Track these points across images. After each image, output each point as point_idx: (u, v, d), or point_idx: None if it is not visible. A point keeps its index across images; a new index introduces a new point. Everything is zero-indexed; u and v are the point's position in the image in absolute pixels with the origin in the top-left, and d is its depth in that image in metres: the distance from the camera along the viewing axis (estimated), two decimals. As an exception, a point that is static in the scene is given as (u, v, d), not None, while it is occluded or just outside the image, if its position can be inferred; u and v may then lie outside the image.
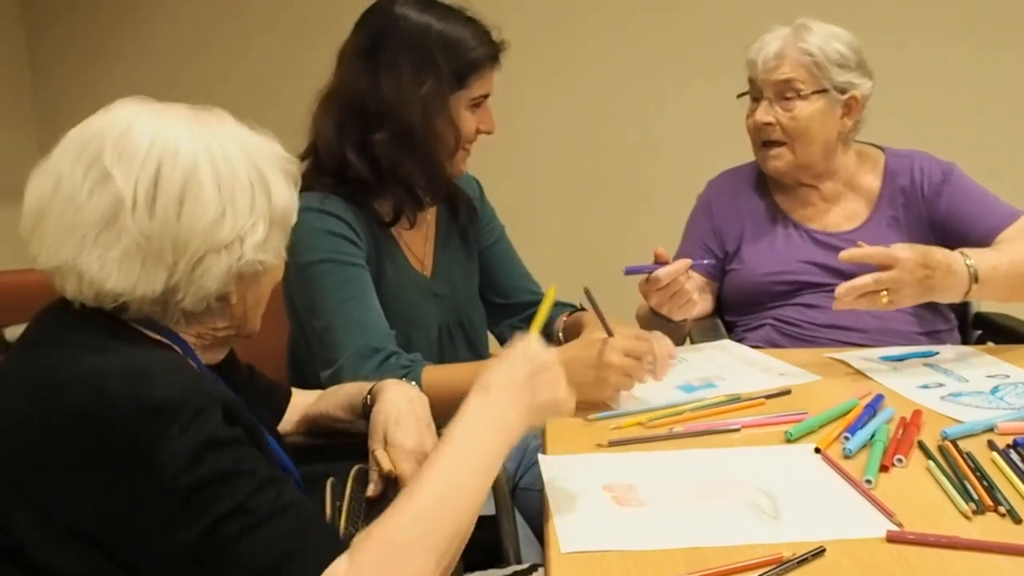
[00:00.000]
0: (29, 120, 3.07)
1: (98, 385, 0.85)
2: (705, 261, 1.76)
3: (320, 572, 0.82)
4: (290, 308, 1.56)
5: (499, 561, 1.32)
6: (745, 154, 1.91)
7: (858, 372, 1.50)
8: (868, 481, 1.09)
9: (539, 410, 1.00)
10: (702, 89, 2.94)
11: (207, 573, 0.82)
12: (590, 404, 1.32)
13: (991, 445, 1.19)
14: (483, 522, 0.98)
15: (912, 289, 1.46)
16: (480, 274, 1.72)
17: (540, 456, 1.18)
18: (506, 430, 0.96)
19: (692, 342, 1.79)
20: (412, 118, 1.47)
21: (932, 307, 1.75)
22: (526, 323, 1.70)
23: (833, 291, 1.72)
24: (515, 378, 1.00)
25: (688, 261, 1.55)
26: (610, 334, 1.35)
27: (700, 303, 1.78)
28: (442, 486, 0.89)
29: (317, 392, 1.36)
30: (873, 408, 1.30)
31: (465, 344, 1.65)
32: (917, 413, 1.29)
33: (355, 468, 1.09)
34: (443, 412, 1.29)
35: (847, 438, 1.20)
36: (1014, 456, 1.15)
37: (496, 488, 1.34)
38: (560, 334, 1.66)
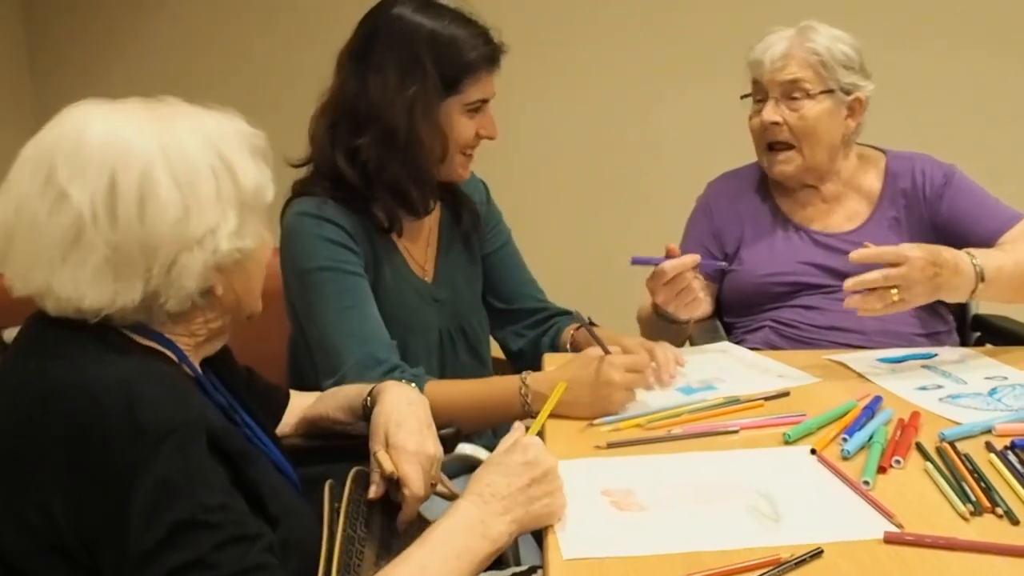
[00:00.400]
0: (29, 120, 3.07)
1: (88, 402, 0.84)
2: (717, 263, 1.74)
3: None
4: (291, 311, 1.56)
5: (498, 563, 1.32)
6: (745, 155, 1.91)
7: (856, 374, 1.50)
8: (866, 482, 1.09)
9: (531, 521, 1.00)
10: (702, 90, 2.94)
11: None
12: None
13: (989, 447, 1.19)
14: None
15: (923, 287, 1.46)
16: (484, 278, 1.71)
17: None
18: (489, 543, 0.96)
19: (691, 344, 1.79)
20: (396, 122, 1.44)
21: (931, 309, 1.75)
22: (529, 330, 1.71)
23: (832, 293, 1.74)
24: (511, 488, 0.99)
25: (696, 257, 1.53)
26: (606, 352, 1.34)
27: (703, 305, 1.79)
28: None
29: (315, 394, 1.35)
30: (871, 410, 1.30)
31: (466, 349, 1.65)
32: (915, 415, 1.29)
33: (354, 470, 1.08)
34: (442, 425, 1.29)
35: (845, 440, 1.20)
36: (1012, 458, 1.15)
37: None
38: (568, 347, 1.66)
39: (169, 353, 0.96)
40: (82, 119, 0.91)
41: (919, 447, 1.19)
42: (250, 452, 0.94)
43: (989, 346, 1.82)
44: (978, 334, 1.92)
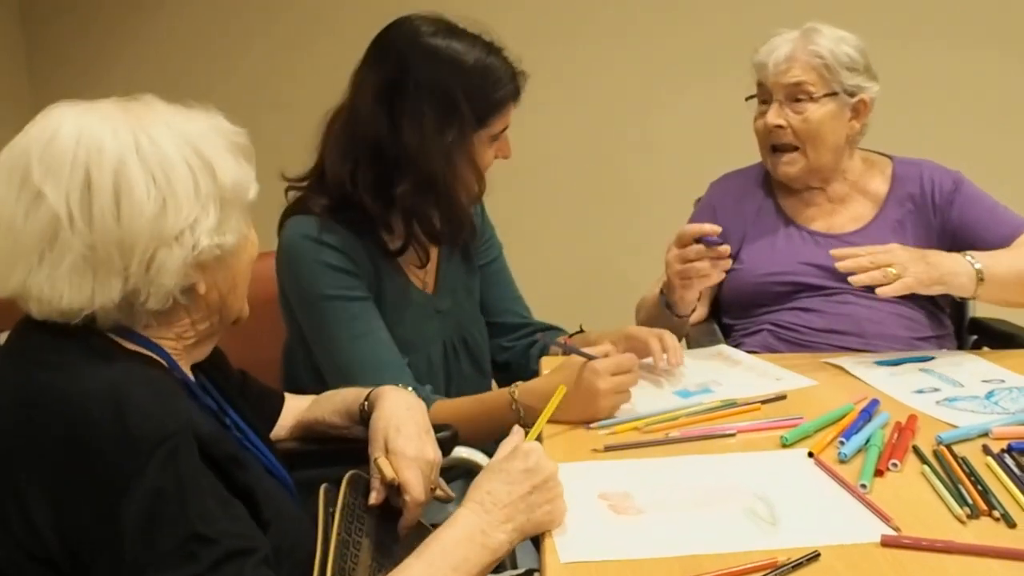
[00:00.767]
0: (27, 122, 3.05)
1: (76, 410, 0.84)
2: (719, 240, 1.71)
3: None
4: (291, 323, 1.55)
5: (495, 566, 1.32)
6: (744, 158, 1.91)
7: (854, 377, 1.51)
8: (863, 486, 1.09)
9: (532, 528, 1.00)
10: (701, 92, 2.95)
11: None
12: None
13: (986, 450, 1.19)
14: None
15: (920, 265, 1.51)
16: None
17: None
18: (490, 552, 0.96)
19: (689, 347, 1.79)
20: (436, 168, 1.43)
21: (929, 312, 1.76)
22: (514, 343, 1.71)
23: (831, 295, 1.75)
24: (512, 496, 0.99)
25: (717, 228, 1.55)
26: (589, 359, 1.33)
27: (699, 308, 1.79)
28: None
29: (311, 397, 1.35)
30: (868, 413, 1.30)
31: (469, 361, 1.64)
32: (912, 418, 1.29)
33: (349, 473, 1.08)
34: (439, 428, 1.30)
35: (842, 443, 1.20)
36: (1009, 461, 1.15)
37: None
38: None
39: (157, 357, 0.95)
40: (55, 121, 0.91)
41: (916, 450, 1.19)
42: (242, 457, 0.94)
43: (986, 349, 1.82)
44: (975, 337, 1.92)
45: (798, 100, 1.74)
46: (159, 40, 3.27)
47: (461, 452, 1.37)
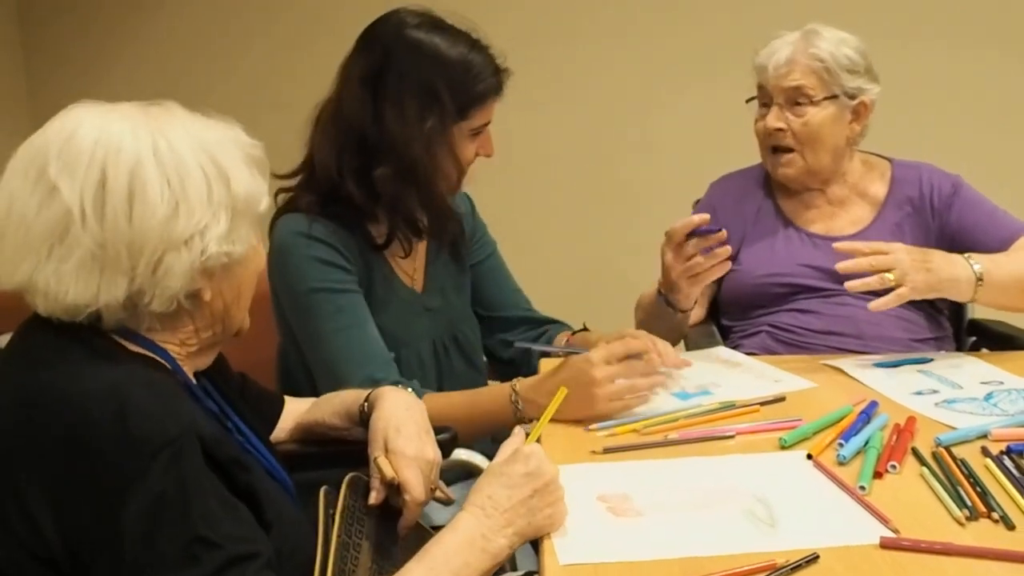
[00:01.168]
0: (25, 123, 3.06)
1: (79, 412, 0.84)
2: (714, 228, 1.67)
3: None
4: (282, 325, 1.56)
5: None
6: (744, 158, 1.91)
7: (853, 379, 1.51)
8: (862, 487, 1.09)
9: (532, 532, 1.01)
10: (700, 93, 2.95)
11: None
12: (594, 418, 1.32)
13: (985, 452, 1.19)
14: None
15: (920, 274, 1.51)
16: (471, 289, 1.72)
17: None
18: (490, 557, 0.97)
19: (687, 348, 1.79)
20: (415, 154, 1.45)
21: (927, 314, 1.76)
22: (517, 338, 1.70)
23: (830, 297, 1.75)
24: (512, 500, 0.99)
25: (705, 216, 1.54)
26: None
27: (697, 309, 1.79)
28: None
29: (311, 400, 1.35)
30: (867, 415, 1.30)
31: (461, 358, 1.65)
32: (911, 420, 1.29)
33: (349, 475, 1.08)
34: (439, 430, 1.29)
35: (841, 444, 1.20)
36: (1008, 463, 1.15)
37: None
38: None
39: (159, 359, 0.95)
40: (75, 119, 0.92)
41: (915, 452, 1.20)
42: (244, 459, 0.94)
43: (985, 351, 1.82)
44: (974, 339, 1.92)
45: (798, 103, 1.74)
46: (159, 40, 3.27)
47: (461, 454, 1.37)
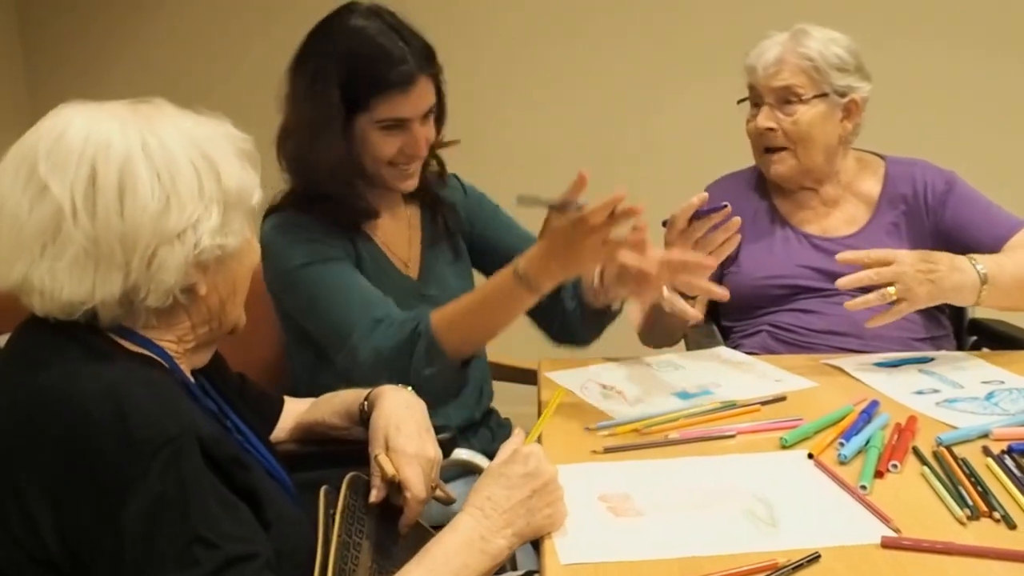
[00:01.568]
0: (24, 124, 3.04)
1: (78, 413, 0.84)
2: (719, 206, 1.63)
3: None
4: (285, 321, 1.56)
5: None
6: (744, 159, 1.91)
7: (853, 378, 1.50)
8: (863, 487, 1.09)
9: (532, 532, 1.01)
10: (700, 94, 2.94)
11: None
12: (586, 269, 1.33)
13: (986, 451, 1.19)
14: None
15: (922, 287, 1.47)
16: (487, 255, 1.67)
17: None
18: (489, 558, 0.97)
19: (688, 348, 1.79)
20: (301, 134, 1.46)
21: (928, 314, 1.75)
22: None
23: (830, 297, 1.74)
24: (511, 501, 0.99)
25: (704, 196, 1.51)
26: (562, 207, 1.31)
27: (697, 309, 1.79)
28: None
29: (310, 400, 1.35)
30: (868, 414, 1.30)
31: None
32: (912, 419, 1.29)
33: (349, 475, 1.08)
34: (463, 338, 1.33)
35: (842, 444, 1.20)
36: (1009, 462, 1.15)
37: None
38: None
39: (157, 358, 0.95)
40: (65, 118, 0.92)
41: (916, 451, 1.20)
42: (243, 458, 0.94)
43: (986, 350, 1.82)
44: (975, 338, 1.92)
45: (788, 103, 1.74)
46: (159, 41, 3.26)
47: (461, 454, 1.37)
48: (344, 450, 1.23)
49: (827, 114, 1.75)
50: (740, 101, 1.83)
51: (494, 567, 0.97)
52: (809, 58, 1.72)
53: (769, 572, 0.92)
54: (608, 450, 1.23)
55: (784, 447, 1.23)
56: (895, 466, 1.15)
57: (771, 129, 1.76)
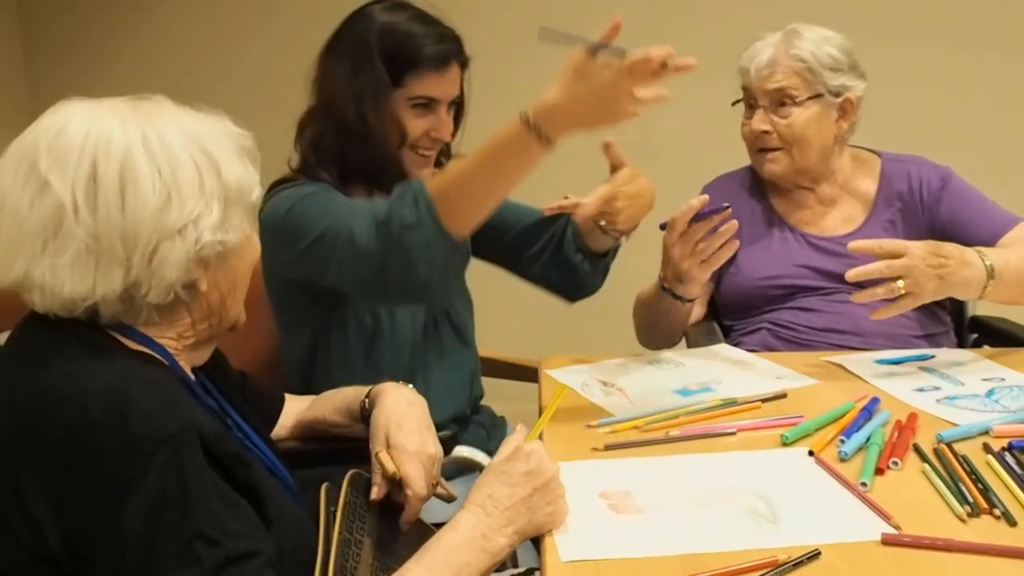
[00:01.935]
0: (26, 125, 3.04)
1: (78, 411, 0.83)
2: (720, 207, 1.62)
3: None
4: (279, 314, 1.55)
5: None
6: (742, 159, 1.91)
7: (854, 375, 1.50)
8: (864, 484, 1.09)
9: (533, 530, 1.01)
10: (700, 93, 2.93)
11: None
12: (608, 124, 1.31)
13: (987, 448, 1.19)
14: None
15: (931, 282, 1.45)
16: (488, 236, 1.63)
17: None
18: (490, 556, 0.97)
19: (688, 346, 1.79)
20: (347, 111, 1.47)
21: (928, 311, 1.75)
22: (552, 251, 1.63)
23: (829, 295, 1.75)
24: (513, 499, 0.99)
25: (704, 198, 1.51)
26: (596, 48, 1.24)
27: (697, 308, 1.79)
28: None
29: (310, 397, 1.35)
30: (869, 411, 1.30)
31: (452, 332, 1.63)
32: (913, 416, 1.29)
33: (350, 472, 1.08)
34: (461, 201, 1.28)
35: (843, 441, 1.21)
36: (1009, 459, 1.15)
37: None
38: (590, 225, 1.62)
39: (157, 356, 0.95)
40: (65, 115, 0.92)
41: (917, 449, 1.20)
42: (244, 455, 0.94)
43: (987, 347, 1.82)
44: (975, 335, 1.92)
45: (782, 104, 1.74)
46: (159, 40, 3.26)
47: (462, 451, 1.37)
48: (345, 447, 1.24)
49: (822, 115, 1.75)
50: (735, 103, 1.83)
51: (495, 565, 0.98)
52: (802, 59, 1.72)
53: (770, 569, 0.92)
54: (609, 447, 1.23)
55: (785, 444, 1.23)
56: (895, 463, 1.15)
57: (766, 132, 1.76)
